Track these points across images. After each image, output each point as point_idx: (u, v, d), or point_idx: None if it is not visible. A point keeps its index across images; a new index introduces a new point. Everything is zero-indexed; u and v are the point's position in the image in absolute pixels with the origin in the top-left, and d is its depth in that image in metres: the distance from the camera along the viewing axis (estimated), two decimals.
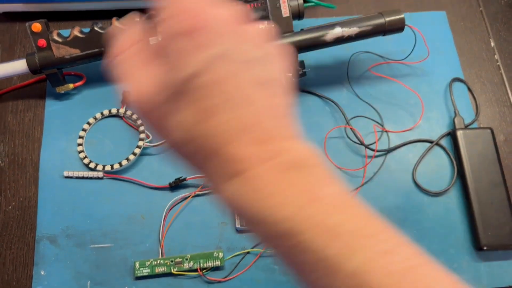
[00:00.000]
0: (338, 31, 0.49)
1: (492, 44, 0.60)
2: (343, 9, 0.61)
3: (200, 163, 0.21)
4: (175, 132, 0.21)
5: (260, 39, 0.22)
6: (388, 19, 0.49)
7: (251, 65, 0.21)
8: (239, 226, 0.47)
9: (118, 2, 0.57)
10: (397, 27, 0.50)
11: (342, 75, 0.57)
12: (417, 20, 0.60)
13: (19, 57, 0.53)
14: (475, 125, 0.55)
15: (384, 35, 0.50)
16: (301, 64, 0.53)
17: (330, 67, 0.58)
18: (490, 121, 0.56)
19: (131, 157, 0.50)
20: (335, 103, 0.55)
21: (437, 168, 0.53)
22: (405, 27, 0.50)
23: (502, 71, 0.58)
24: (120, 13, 0.55)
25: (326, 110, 0.56)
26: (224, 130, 0.20)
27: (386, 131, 0.54)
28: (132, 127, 0.53)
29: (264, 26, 0.47)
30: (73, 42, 0.50)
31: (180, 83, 0.20)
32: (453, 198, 0.51)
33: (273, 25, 0.49)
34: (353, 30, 0.49)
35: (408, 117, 0.55)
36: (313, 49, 0.50)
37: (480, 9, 0.62)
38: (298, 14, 0.52)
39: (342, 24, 0.49)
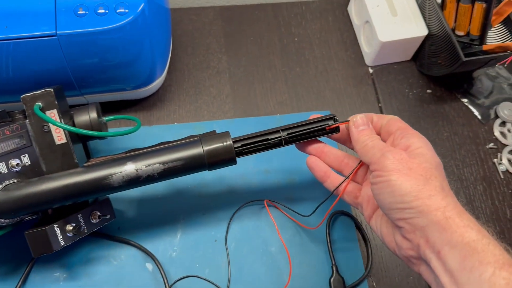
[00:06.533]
0: (130, 170, 0.32)
1: None
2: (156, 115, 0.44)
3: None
4: None
5: None
6: (206, 148, 0.32)
7: None
8: None
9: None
10: (229, 162, 0.33)
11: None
12: None
13: None
14: None
15: (209, 170, 0.33)
16: (107, 204, 0.35)
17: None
18: None
19: None
20: (154, 259, 0.37)
21: None
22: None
23: None
24: None
25: (145, 269, 0.38)
26: None
27: None
28: None
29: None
30: None
31: None
32: None
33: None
34: (155, 167, 0.32)
35: None
36: (99, 195, 0.33)
37: None
38: (90, 133, 0.34)
39: (134, 158, 0.32)
